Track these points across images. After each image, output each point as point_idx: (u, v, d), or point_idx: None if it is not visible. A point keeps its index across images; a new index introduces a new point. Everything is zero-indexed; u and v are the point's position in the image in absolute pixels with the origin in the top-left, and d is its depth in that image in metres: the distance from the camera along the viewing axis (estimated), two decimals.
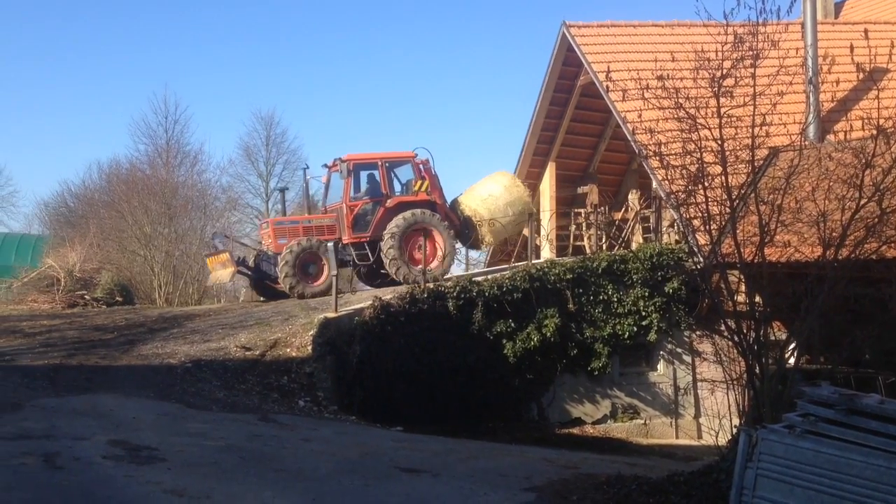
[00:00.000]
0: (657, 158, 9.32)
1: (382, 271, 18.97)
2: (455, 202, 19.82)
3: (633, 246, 20.37)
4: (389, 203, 18.61)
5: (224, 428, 9.79)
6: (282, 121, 53.96)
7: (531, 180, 24.08)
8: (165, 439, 8.68)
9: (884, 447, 5.70)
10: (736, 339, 8.18)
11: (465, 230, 19.40)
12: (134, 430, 9.04)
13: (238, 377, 12.77)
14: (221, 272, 18.86)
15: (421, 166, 19.10)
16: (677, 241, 18.11)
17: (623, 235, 22.26)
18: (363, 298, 15.65)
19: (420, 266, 17.51)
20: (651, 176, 17.81)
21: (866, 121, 8.10)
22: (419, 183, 18.93)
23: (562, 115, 23.04)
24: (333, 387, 13.27)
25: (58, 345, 14.13)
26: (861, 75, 9.92)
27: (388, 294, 15.16)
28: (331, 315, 14.25)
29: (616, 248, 20.91)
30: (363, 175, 19.28)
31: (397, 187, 19.29)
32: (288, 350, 13.66)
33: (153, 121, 38.68)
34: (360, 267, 19.67)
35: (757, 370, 7.95)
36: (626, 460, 11.89)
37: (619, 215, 23.38)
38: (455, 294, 15.41)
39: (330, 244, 17.53)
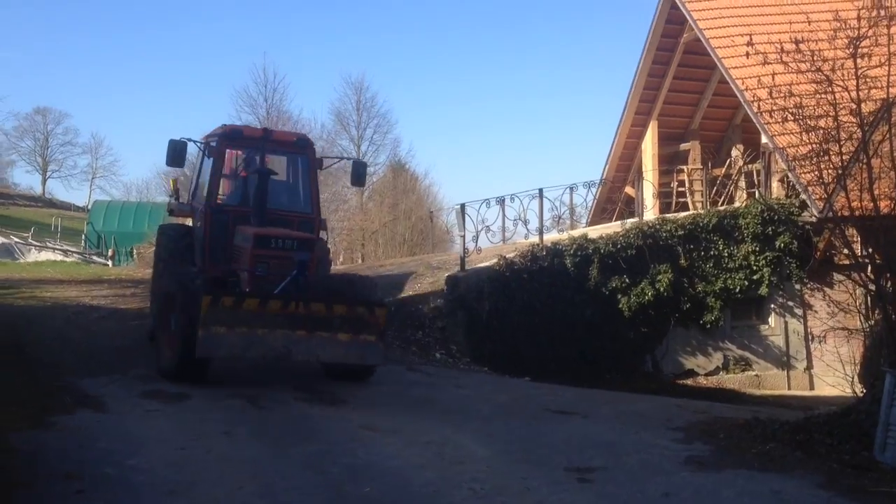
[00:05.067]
0: (779, 113, 9.58)
1: None
2: None
3: (737, 202, 20.52)
4: None
5: (380, 376, 10.74)
6: (371, 85, 55.20)
7: (633, 139, 24.35)
8: (337, 385, 9.72)
9: None
10: (871, 287, 8.61)
11: None
12: (313, 378, 10.10)
13: None
14: None
15: None
16: (787, 195, 18.20)
17: (726, 191, 22.36)
18: (486, 258, 16.38)
19: None
20: (761, 131, 17.92)
21: None
22: None
23: (664, 74, 23.13)
24: (465, 340, 14.17)
25: None
26: None
27: (510, 252, 15.90)
28: (458, 273, 15.07)
29: (719, 203, 21.06)
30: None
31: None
32: (420, 307, 14.59)
33: (254, 90, 40.15)
34: None
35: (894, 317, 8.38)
36: (748, 408, 12.37)
37: (720, 171, 23.44)
38: (572, 252, 16.05)
39: (455, 206, 16.57)
